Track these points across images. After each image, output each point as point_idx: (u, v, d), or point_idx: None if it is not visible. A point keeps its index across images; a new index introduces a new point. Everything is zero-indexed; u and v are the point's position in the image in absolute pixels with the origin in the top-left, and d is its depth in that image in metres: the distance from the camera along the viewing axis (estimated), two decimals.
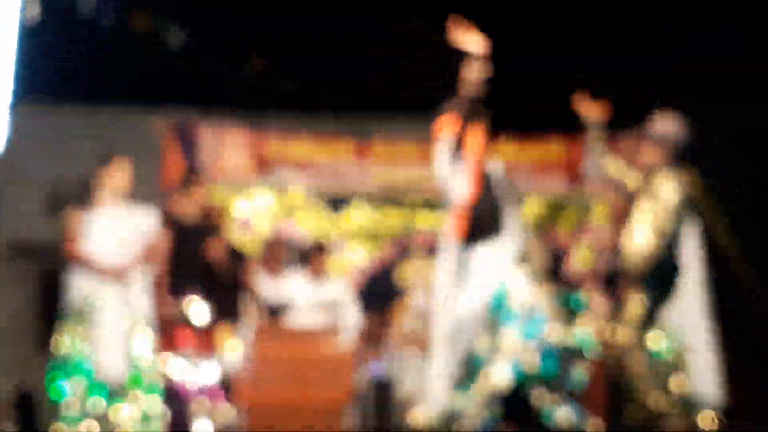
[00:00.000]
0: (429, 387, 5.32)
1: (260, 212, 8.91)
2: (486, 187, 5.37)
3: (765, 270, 6.70)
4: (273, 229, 8.73)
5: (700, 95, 6.95)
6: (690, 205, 5.24)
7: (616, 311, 5.54)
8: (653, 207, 5.14)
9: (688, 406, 5.22)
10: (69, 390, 5.69)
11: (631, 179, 5.32)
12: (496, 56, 5.26)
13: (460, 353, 5.18)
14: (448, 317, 5.27)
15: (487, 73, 5.18)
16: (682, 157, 5.25)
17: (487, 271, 5.20)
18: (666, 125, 5.26)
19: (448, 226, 5.44)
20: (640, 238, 5.12)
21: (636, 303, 5.09)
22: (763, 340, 6.91)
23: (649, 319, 5.11)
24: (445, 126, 5.43)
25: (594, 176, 5.26)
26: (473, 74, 5.17)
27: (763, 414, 5.98)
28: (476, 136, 5.38)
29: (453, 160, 5.35)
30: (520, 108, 9.27)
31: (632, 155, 5.38)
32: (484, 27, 5.31)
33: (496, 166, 5.53)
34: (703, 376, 5.29)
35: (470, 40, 5.21)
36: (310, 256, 7.64)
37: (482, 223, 5.30)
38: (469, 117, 5.25)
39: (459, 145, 5.33)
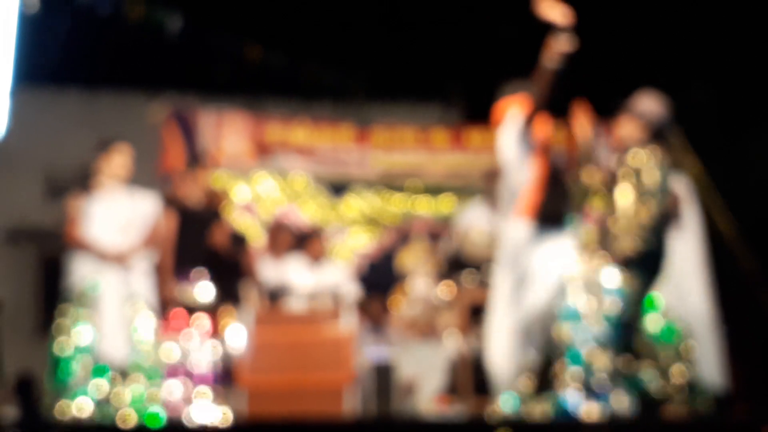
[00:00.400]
0: (496, 375, 5.26)
1: (262, 197, 8.91)
2: (552, 174, 5.27)
3: (762, 250, 6.70)
4: (274, 215, 8.73)
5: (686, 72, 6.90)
6: (669, 184, 5.15)
7: None
8: (635, 184, 5.05)
9: (691, 392, 5.22)
10: (72, 372, 5.71)
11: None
12: None
13: (533, 341, 5.10)
14: (511, 304, 5.19)
15: (571, 47, 5.02)
16: (661, 136, 5.18)
17: (555, 261, 5.09)
18: (648, 103, 5.20)
19: (516, 208, 5.25)
20: (625, 216, 5.02)
21: (626, 283, 5.03)
22: (763, 324, 6.92)
23: (638, 301, 5.04)
24: (514, 106, 5.30)
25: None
26: (558, 47, 4.98)
27: (765, 399, 5.98)
28: (546, 119, 5.25)
29: (521, 141, 5.23)
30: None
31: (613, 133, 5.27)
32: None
33: (560, 154, 5.41)
34: (705, 362, 5.29)
35: (557, 12, 4.99)
36: (308, 241, 7.65)
37: (548, 209, 5.17)
38: (545, 96, 5.07)
39: (529, 126, 5.19)
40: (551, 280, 5.04)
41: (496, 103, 5.44)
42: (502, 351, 5.17)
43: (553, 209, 5.17)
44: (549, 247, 5.12)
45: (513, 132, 5.24)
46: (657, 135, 5.16)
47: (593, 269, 4.98)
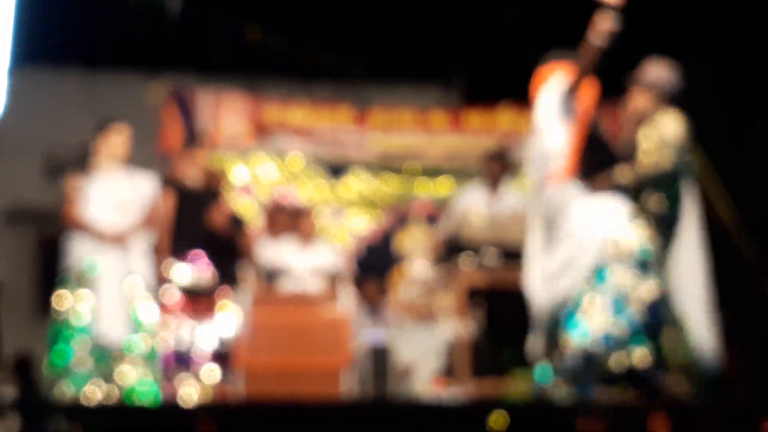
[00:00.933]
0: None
1: (260, 178, 8.90)
2: (592, 142, 5.26)
3: (762, 236, 6.70)
4: (272, 196, 8.73)
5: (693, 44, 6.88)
6: (687, 149, 5.17)
7: None
8: (655, 148, 5.07)
9: (686, 370, 5.23)
10: (71, 353, 5.72)
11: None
12: None
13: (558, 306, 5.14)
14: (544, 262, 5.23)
15: (618, 26, 5.00)
16: (673, 103, 5.19)
17: (599, 220, 5.09)
18: (657, 72, 5.21)
19: (553, 172, 5.23)
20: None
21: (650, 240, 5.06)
22: (760, 305, 6.92)
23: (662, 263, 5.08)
24: (558, 72, 5.30)
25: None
26: (605, 25, 4.97)
27: (761, 379, 5.99)
28: (590, 89, 5.25)
29: (562, 106, 5.23)
30: (519, 76, 9.27)
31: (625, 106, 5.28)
32: None
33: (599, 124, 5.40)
34: (700, 340, 5.30)
35: None
36: (298, 220, 7.62)
37: (586, 175, 5.17)
38: (589, 68, 5.07)
39: (572, 94, 5.20)
40: (594, 239, 5.05)
41: (539, 68, 5.45)
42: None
43: (591, 175, 5.18)
44: (591, 207, 5.13)
45: (554, 95, 5.27)
46: (670, 102, 5.18)
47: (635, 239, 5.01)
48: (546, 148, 5.28)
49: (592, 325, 4.99)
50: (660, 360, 4.95)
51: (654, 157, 5.08)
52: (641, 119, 5.17)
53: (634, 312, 4.97)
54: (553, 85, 5.30)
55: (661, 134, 5.10)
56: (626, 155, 5.19)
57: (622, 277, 5.00)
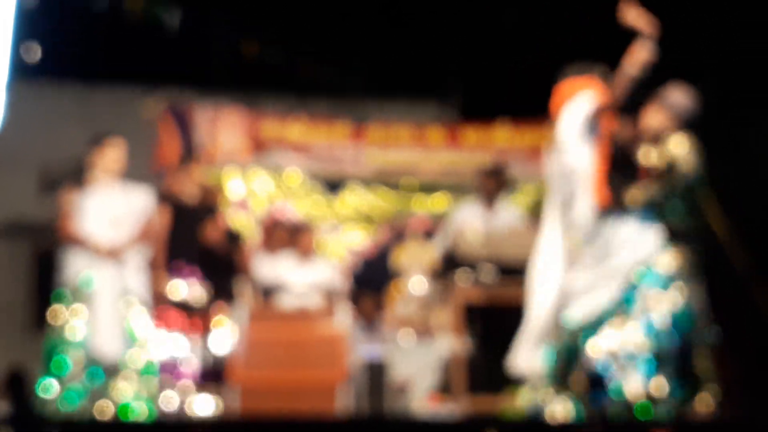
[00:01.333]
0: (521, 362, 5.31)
1: (256, 194, 8.90)
2: (617, 163, 5.26)
3: (756, 248, 6.69)
4: (269, 211, 8.73)
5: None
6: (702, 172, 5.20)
7: None
8: (665, 168, 5.10)
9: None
10: (66, 367, 5.70)
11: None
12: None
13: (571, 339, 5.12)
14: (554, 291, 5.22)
15: (654, 56, 5.03)
16: (687, 128, 5.23)
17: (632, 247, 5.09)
18: (678, 95, 5.25)
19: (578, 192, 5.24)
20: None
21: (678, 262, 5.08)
22: (757, 324, 6.91)
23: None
24: (584, 91, 5.32)
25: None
26: (641, 55, 5.01)
27: (759, 399, 5.97)
28: (614, 110, 5.26)
29: (587, 128, 5.24)
30: (515, 92, 9.28)
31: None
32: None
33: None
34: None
35: (642, 21, 5.04)
36: (297, 236, 7.62)
37: (613, 197, 5.18)
38: (623, 97, 5.10)
39: (599, 113, 5.21)
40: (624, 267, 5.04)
41: (560, 83, 5.46)
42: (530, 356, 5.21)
43: (618, 197, 5.18)
44: (619, 229, 5.13)
45: (581, 114, 5.27)
46: (684, 127, 5.21)
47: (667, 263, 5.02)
48: (569, 165, 5.30)
49: (616, 344, 4.98)
50: (691, 380, 4.94)
51: (663, 176, 5.12)
52: (653, 137, 5.20)
53: (663, 333, 4.96)
54: (580, 105, 5.31)
55: (672, 155, 5.14)
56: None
57: (651, 298, 5.00)
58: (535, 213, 8.96)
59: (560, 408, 5.02)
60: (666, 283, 5.02)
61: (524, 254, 6.51)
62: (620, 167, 5.21)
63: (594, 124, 5.27)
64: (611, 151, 5.26)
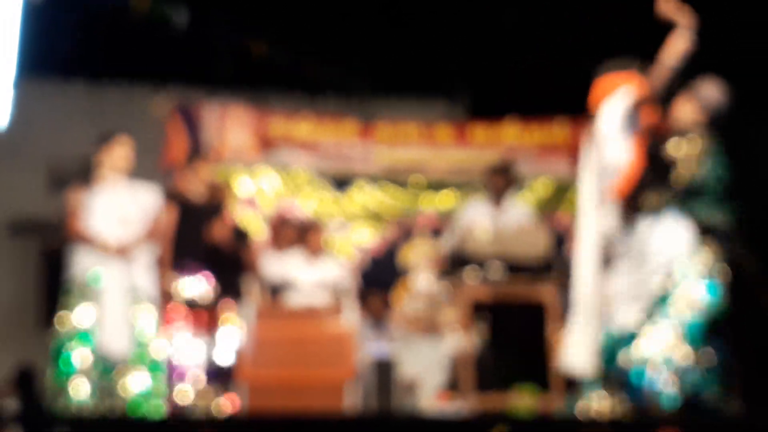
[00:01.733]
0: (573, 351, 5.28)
1: (264, 192, 8.91)
2: (653, 161, 5.24)
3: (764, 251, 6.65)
4: (277, 209, 8.73)
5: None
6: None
7: None
8: (694, 161, 5.08)
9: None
10: (74, 365, 5.71)
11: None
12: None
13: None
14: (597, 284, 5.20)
15: (692, 46, 5.03)
16: (717, 123, 5.22)
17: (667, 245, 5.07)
18: (712, 89, 5.23)
19: (615, 188, 5.23)
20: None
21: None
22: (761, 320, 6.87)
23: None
24: (623, 85, 5.31)
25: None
26: (679, 45, 5.02)
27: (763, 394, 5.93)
28: (655, 106, 5.26)
29: (626, 123, 5.23)
30: (524, 90, 9.27)
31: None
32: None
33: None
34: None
35: (680, 12, 5.05)
36: (306, 235, 7.63)
37: (648, 192, 5.17)
38: (661, 88, 5.10)
39: (637, 109, 5.22)
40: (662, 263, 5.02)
41: (598, 79, 5.45)
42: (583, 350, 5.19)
43: (654, 192, 5.17)
44: (658, 228, 5.10)
45: (620, 109, 5.26)
46: (713, 122, 5.20)
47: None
48: (607, 161, 5.29)
49: (653, 344, 4.96)
50: (724, 380, 4.92)
51: (692, 169, 5.10)
52: (683, 130, 5.18)
53: (698, 332, 4.94)
54: (619, 99, 5.30)
55: (700, 149, 5.13)
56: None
57: (691, 301, 4.98)
58: (543, 210, 8.97)
59: (599, 405, 5.01)
60: (700, 282, 4.99)
61: (532, 252, 6.52)
62: (654, 161, 5.19)
63: (634, 118, 5.25)
64: (648, 145, 5.23)
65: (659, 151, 5.18)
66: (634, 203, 5.18)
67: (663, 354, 4.92)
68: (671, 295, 4.98)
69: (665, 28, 5.11)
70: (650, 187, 5.15)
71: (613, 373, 5.07)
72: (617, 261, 5.19)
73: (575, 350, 5.26)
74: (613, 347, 5.09)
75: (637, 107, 5.23)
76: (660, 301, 4.99)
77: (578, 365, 5.24)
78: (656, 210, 5.11)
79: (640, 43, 5.29)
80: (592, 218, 5.35)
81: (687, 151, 5.13)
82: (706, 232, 5.06)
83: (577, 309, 5.30)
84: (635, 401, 4.95)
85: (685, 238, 5.05)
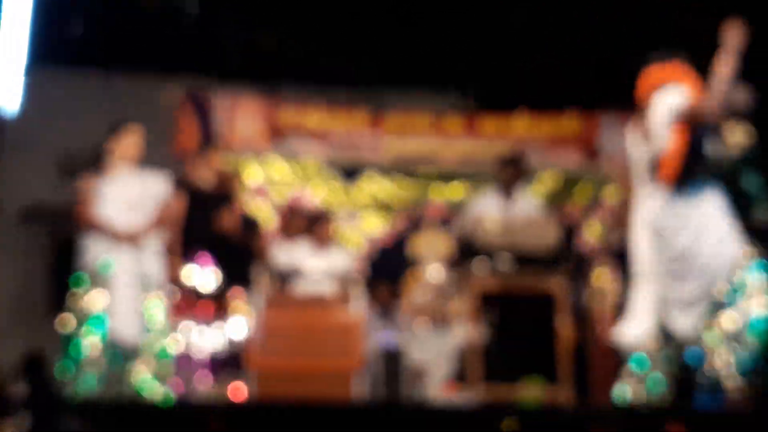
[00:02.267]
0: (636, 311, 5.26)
1: (274, 181, 8.92)
2: (695, 146, 5.20)
3: None
4: (287, 198, 8.75)
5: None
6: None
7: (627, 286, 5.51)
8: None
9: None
10: (84, 351, 5.74)
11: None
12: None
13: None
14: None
15: (737, 65, 5.01)
16: (738, 120, 5.22)
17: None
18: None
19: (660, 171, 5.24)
20: None
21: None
22: None
23: None
24: (678, 76, 5.31)
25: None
26: (728, 68, 5.01)
27: None
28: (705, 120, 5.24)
29: (675, 113, 5.20)
30: (534, 82, 9.27)
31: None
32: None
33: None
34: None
35: (736, 34, 5.04)
36: (316, 225, 7.64)
37: (690, 179, 5.16)
38: (716, 110, 5.10)
39: (691, 120, 5.17)
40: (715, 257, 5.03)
41: (647, 68, 5.41)
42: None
43: (695, 179, 5.18)
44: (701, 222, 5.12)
45: (672, 106, 5.24)
46: (736, 119, 5.21)
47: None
48: (656, 153, 5.29)
49: (714, 335, 4.97)
50: None
51: (723, 162, 5.13)
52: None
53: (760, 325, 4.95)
54: (673, 96, 5.26)
55: (726, 144, 5.15)
56: None
57: (750, 302, 4.99)
58: (552, 203, 8.97)
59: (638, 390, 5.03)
60: (757, 276, 4.99)
61: (541, 244, 6.52)
62: (697, 154, 5.19)
63: (680, 110, 5.23)
64: (693, 136, 5.24)
65: (702, 142, 5.19)
66: (680, 187, 5.17)
67: (722, 339, 4.92)
68: (739, 288, 4.98)
69: (674, 21, 5.10)
70: (694, 173, 5.16)
71: (670, 351, 5.07)
72: (668, 254, 5.17)
73: (634, 323, 5.26)
74: (677, 350, 5.09)
75: (691, 120, 5.19)
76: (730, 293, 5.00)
77: (636, 338, 5.23)
78: (699, 192, 5.12)
79: (651, 38, 5.27)
80: (644, 203, 5.34)
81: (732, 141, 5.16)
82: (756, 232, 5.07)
83: (637, 283, 5.30)
84: (685, 382, 4.95)
85: (730, 232, 5.07)
